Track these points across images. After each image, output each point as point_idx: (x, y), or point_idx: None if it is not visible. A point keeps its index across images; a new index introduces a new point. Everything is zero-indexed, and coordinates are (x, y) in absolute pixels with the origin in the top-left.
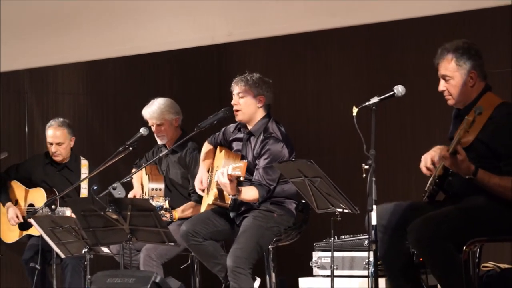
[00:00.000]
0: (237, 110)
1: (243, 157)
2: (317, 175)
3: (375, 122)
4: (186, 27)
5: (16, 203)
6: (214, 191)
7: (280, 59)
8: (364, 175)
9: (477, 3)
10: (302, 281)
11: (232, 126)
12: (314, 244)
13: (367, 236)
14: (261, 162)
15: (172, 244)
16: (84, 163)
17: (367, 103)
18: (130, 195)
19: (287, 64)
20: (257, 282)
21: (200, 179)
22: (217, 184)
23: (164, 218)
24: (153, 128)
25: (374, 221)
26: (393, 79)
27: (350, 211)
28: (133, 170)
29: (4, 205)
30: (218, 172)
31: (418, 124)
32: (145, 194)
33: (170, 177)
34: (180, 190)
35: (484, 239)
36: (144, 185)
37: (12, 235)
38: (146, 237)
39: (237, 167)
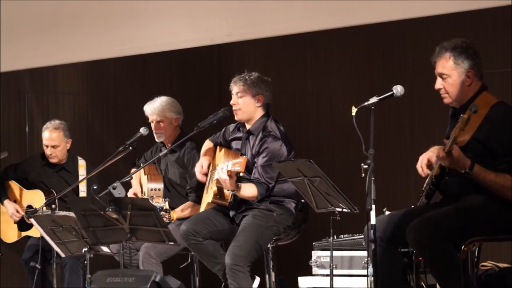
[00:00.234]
0: (236, 110)
1: (242, 155)
2: (316, 175)
3: (374, 122)
4: (186, 27)
5: (14, 202)
6: (214, 189)
7: (279, 59)
8: (363, 174)
9: (477, 3)
10: (302, 280)
11: (232, 126)
12: (314, 243)
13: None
14: (260, 160)
15: (172, 243)
16: (82, 163)
17: (366, 103)
18: (130, 193)
19: (287, 64)
20: (257, 281)
21: (201, 164)
22: (217, 182)
23: (163, 219)
24: (152, 125)
25: (373, 221)
26: (392, 79)
27: (349, 210)
28: (133, 169)
29: (3, 204)
30: (218, 168)
31: (417, 124)
32: (144, 194)
33: (168, 176)
34: (179, 190)
35: (483, 239)
36: (143, 185)
37: (11, 235)
38: (146, 236)
39: (237, 163)
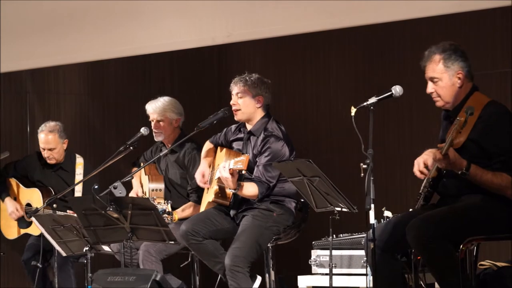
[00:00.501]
0: (236, 110)
1: (244, 154)
2: (315, 175)
3: (373, 122)
4: (187, 28)
5: (14, 200)
6: (215, 188)
7: (279, 59)
8: (362, 174)
9: (475, 4)
10: (301, 279)
11: (233, 127)
12: (313, 242)
13: (364, 234)
14: (262, 160)
15: (172, 242)
16: (80, 161)
17: (365, 103)
18: (131, 194)
19: (286, 64)
20: (258, 280)
21: (201, 173)
22: (218, 182)
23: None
24: (152, 124)
25: (372, 220)
26: (391, 80)
27: (348, 210)
28: (133, 169)
29: (3, 201)
30: (220, 166)
31: (416, 124)
32: (145, 194)
33: (169, 177)
34: (179, 190)
35: (481, 238)
36: (144, 185)
37: (12, 232)
38: (146, 235)
39: (239, 161)
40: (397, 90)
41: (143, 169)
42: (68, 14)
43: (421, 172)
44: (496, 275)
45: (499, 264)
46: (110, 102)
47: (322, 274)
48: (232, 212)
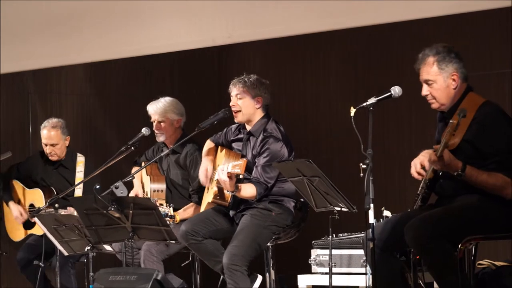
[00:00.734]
0: (236, 112)
1: (243, 156)
2: (315, 174)
3: (372, 123)
4: (188, 29)
5: (18, 202)
6: (214, 190)
7: (279, 60)
8: (362, 174)
9: (474, 5)
10: (301, 278)
11: (234, 127)
12: (313, 242)
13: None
14: (260, 160)
15: (173, 242)
16: (81, 159)
17: (364, 104)
18: (132, 194)
19: (286, 65)
20: (259, 279)
21: (205, 170)
22: (217, 183)
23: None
24: (154, 125)
25: (372, 220)
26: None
27: (348, 209)
28: (133, 168)
29: (7, 204)
30: (218, 169)
31: (415, 124)
32: (147, 194)
33: (170, 177)
34: (180, 191)
35: (479, 237)
36: (146, 185)
37: (18, 234)
38: (147, 235)
39: (237, 165)
40: (396, 90)
41: (144, 169)
42: (70, 15)
43: (419, 173)
44: (495, 274)
45: (497, 263)
46: (111, 102)
47: (322, 273)
48: (231, 213)
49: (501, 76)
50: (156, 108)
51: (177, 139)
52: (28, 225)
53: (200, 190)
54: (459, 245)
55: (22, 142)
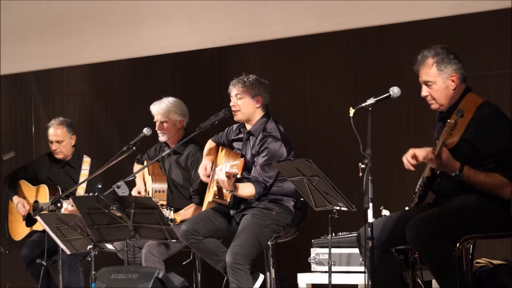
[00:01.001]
0: (236, 111)
1: (242, 156)
2: (315, 174)
3: (371, 123)
4: (188, 30)
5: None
6: (214, 189)
7: (279, 61)
8: (361, 174)
9: (474, 5)
10: (301, 277)
11: (235, 126)
12: (312, 240)
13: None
14: (259, 160)
15: (174, 241)
16: (87, 160)
17: (363, 104)
18: (134, 191)
19: (286, 66)
20: (261, 278)
21: (204, 166)
22: (217, 182)
23: None
24: (157, 124)
25: (370, 219)
26: (389, 81)
27: (347, 209)
28: (135, 165)
29: (12, 200)
30: (217, 169)
31: (413, 124)
32: (148, 194)
33: (172, 177)
34: (181, 191)
35: (477, 236)
36: (147, 185)
37: (20, 232)
38: (149, 234)
39: (235, 165)
40: (395, 91)
41: (146, 168)
42: (72, 17)
43: (407, 160)
44: (492, 272)
45: (494, 261)
46: (113, 103)
47: (321, 272)
48: (232, 212)
49: (501, 77)
50: (159, 108)
51: (179, 139)
52: (30, 221)
53: (201, 191)
54: (457, 244)
55: (25, 142)
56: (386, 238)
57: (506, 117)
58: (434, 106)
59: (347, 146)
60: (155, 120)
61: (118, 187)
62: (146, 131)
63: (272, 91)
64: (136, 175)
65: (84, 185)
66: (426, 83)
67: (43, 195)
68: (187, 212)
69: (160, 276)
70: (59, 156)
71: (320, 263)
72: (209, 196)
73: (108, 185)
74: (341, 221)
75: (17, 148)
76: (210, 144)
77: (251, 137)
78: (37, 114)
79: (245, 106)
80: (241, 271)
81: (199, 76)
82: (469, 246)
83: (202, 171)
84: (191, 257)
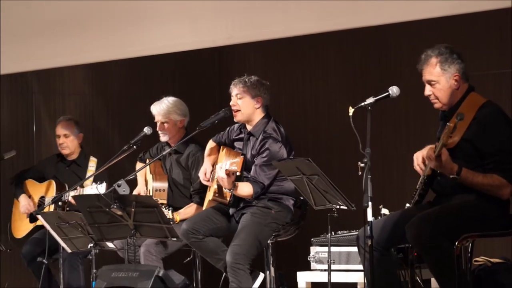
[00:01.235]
0: (236, 111)
1: (242, 155)
2: (314, 173)
3: (370, 122)
4: (188, 30)
5: (29, 197)
6: (214, 187)
7: (279, 60)
8: (360, 172)
9: (474, 5)
10: (300, 275)
11: (236, 126)
12: (312, 239)
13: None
14: (259, 160)
15: (175, 239)
16: (93, 159)
17: (363, 104)
18: (135, 192)
19: (286, 66)
20: (261, 277)
21: (204, 171)
22: (217, 181)
23: None
24: (158, 124)
25: (370, 217)
26: (389, 80)
27: (346, 207)
28: (137, 163)
29: (18, 199)
30: (217, 167)
31: (412, 123)
32: (149, 192)
33: (172, 176)
34: (182, 190)
35: (476, 235)
36: (149, 183)
37: (22, 230)
38: (149, 232)
39: (234, 163)
40: (394, 90)
41: (148, 167)
42: (73, 17)
43: (419, 167)
44: (490, 271)
45: (493, 260)
46: (114, 102)
47: (321, 270)
48: (231, 211)
49: (501, 77)
50: (159, 109)
51: (180, 139)
52: (34, 217)
53: (201, 190)
54: (456, 243)
55: (26, 141)
56: (385, 239)
57: (508, 117)
58: (437, 105)
59: (347, 145)
60: (155, 120)
61: (118, 186)
62: (146, 130)
63: (272, 91)
64: (138, 173)
65: (89, 182)
66: (429, 82)
67: (51, 191)
68: (187, 211)
69: (160, 274)
70: (65, 151)
71: (319, 261)
72: (209, 195)
73: (108, 184)
74: (340, 220)
75: (18, 147)
76: (211, 144)
77: (251, 137)
78: (38, 113)
79: (245, 106)
80: (241, 271)
81: (199, 76)
82: (468, 245)
83: (202, 176)
84: (192, 256)
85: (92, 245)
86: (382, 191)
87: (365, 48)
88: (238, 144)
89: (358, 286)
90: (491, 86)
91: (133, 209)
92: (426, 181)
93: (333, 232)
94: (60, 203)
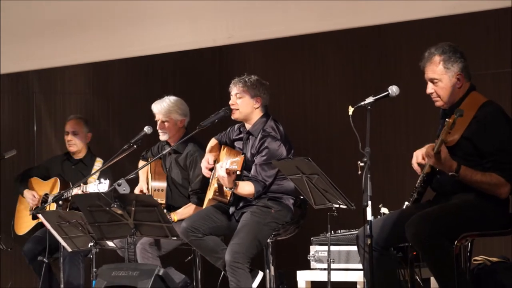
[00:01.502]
0: (234, 109)
1: (243, 154)
2: (314, 172)
3: (370, 121)
4: (188, 30)
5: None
6: (214, 186)
7: (279, 60)
8: (360, 172)
9: (474, 5)
10: (300, 274)
11: (236, 126)
12: (312, 238)
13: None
14: (258, 159)
15: (175, 238)
16: (99, 159)
17: (362, 103)
18: (137, 190)
19: (286, 65)
20: (260, 275)
21: (207, 159)
22: (218, 180)
23: None
24: (158, 123)
25: (369, 217)
26: (388, 80)
27: (346, 206)
28: (140, 162)
29: (22, 194)
30: (217, 166)
31: (412, 122)
32: (148, 191)
33: (172, 176)
34: (181, 190)
35: (475, 234)
36: (149, 182)
37: (24, 227)
38: (149, 231)
39: (235, 162)
40: (393, 90)
41: (149, 166)
42: (73, 17)
43: (419, 165)
44: (490, 270)
45: (492, 259)
46: (114, 102)
47: (321, 269)
48: (231, 209)
49: (500, 76)
50: (160, 108)
51: (180, 138)
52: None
53: (200, 191)
54: (456, 242)
55: (27, 141)
56: (385, 239)
57: (508, 117)
58: (439, 103)
59: (347, 145)
60: (156, 119)
61: (119, 185)
62: (147, 129)
63: (272, 91)
64: (140, 172)
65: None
66: (432, 80)
67: (55, 188)
68: (185, 211)
69: (160, 273)
70: (73, 148)
71: (319, 260)
72: (209, 193)
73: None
74: (340, 219)
75: (19, 146)
76: (213, 141)
77: (250, 137)
78: (38, 112)
79: (243, 106)
80: (240, 270)
81: (199, 75)
82: (467, 244)
83: (205, 163)
84: (192, 255)
85: (92, 244)
86: (382, 190)
87: (364, 48)
88: (238, 144)
89: (357, 285)
90: (490, 85)
91: (133, 208)
92: (425, 179)
93: (332, 231)
94: (60, 202)
